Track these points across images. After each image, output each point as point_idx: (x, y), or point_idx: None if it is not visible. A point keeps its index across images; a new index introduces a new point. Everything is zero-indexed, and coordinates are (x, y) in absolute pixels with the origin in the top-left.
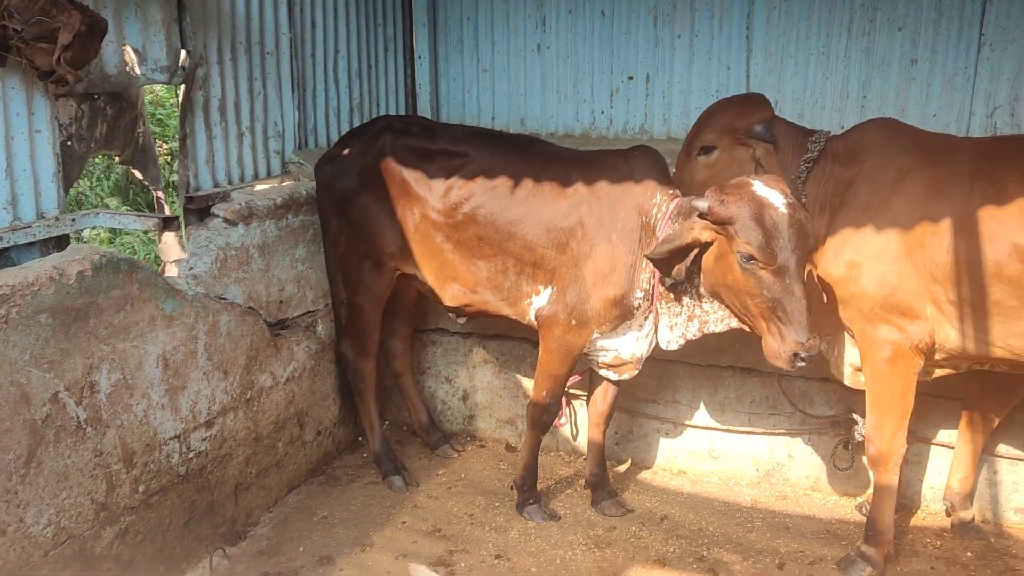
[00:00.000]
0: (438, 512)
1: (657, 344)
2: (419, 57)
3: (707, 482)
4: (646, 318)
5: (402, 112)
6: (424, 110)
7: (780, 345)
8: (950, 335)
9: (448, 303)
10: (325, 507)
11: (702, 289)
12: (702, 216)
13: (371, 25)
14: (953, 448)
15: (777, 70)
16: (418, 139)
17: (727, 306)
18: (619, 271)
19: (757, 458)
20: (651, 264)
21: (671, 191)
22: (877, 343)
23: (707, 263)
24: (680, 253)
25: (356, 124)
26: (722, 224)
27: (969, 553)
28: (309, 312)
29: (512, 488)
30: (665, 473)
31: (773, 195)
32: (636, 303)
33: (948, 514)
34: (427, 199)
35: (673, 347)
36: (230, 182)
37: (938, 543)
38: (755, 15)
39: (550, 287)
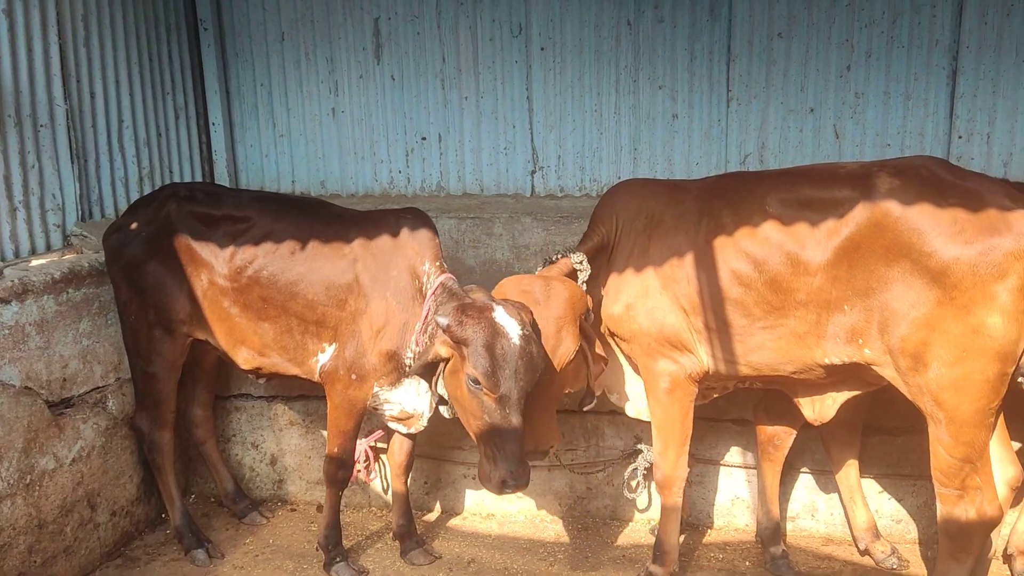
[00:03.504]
0: None
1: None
2: (213, 124)
3: (514, 522)
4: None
5: (198, 179)
6: (222, 177)
7: (492, 470)
8: (704, 360)
9: (243, 367)
10: None
11: None
12: (444, 330)
13: (159, 93)
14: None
15: (557, 127)
16: (203, 205)
17: (459, 416)
18: (392, 327)
19: (560, 493)
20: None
21: (439, 263)
22: (657, 375)
23: (445, 377)
24: (431, 368)
25: (147, 193)
26: (457, 343)
27: (747, 563)
28: (98, 388)
29: (318, 549)
30: (474, 517)
31: (510, 324)
32: (408, 361)
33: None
34: (213, 264)
35: (448, 415)
36: (3, 259)
37: (720, 556)
38: (533, 77)
39: (334, 344)
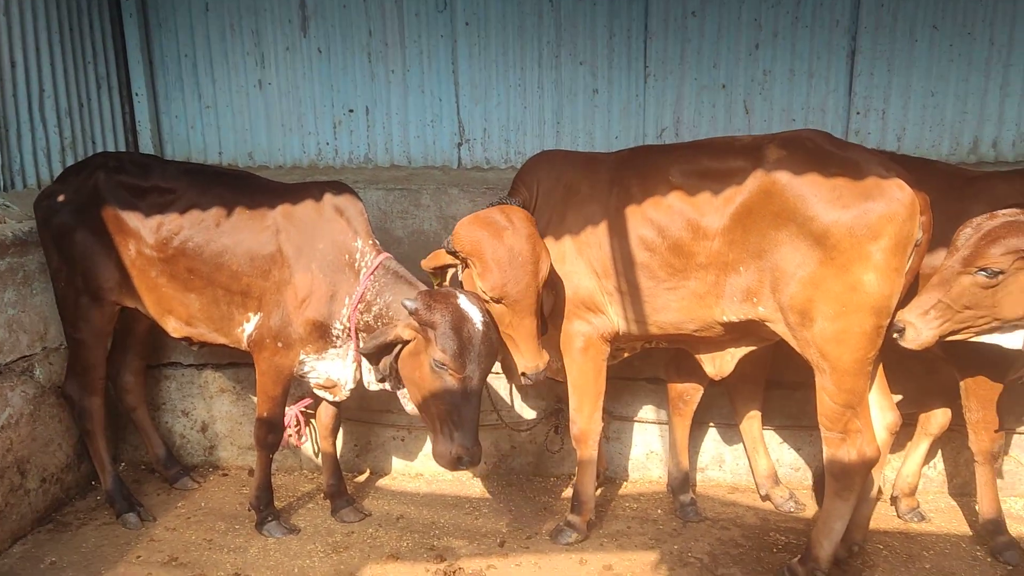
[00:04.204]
0: (175, 543)
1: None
2: (136, 94)
3: (441, 480)
4: (349, 351)
5: (122, 150)
6: (146, 148)
7: (448, 447)
8: (615, 320)
9: (173, 335)
10: (54, 553)
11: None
12: (412, 314)
13: (80, 63)
14: (647, 423)
15: (483, 101)
16: (131, 176)
17: (411, 396)
18: (318, 298)
19: (485, 452)
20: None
21: (372, 242)
22: (572, 336)
23: (403, 358)
24: (386, 348)
25: (70, 163)
26: (423, 326)
27: (659, 511)
28: (24, 357)
29: (250, 509)
30: (403, 477)
31: (474, 311)
32: (336, 333)
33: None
34: (141, 234)
35: (374, 388)
36: None
37: (635, 505)
38: (458, 51)
39: (259, 313)
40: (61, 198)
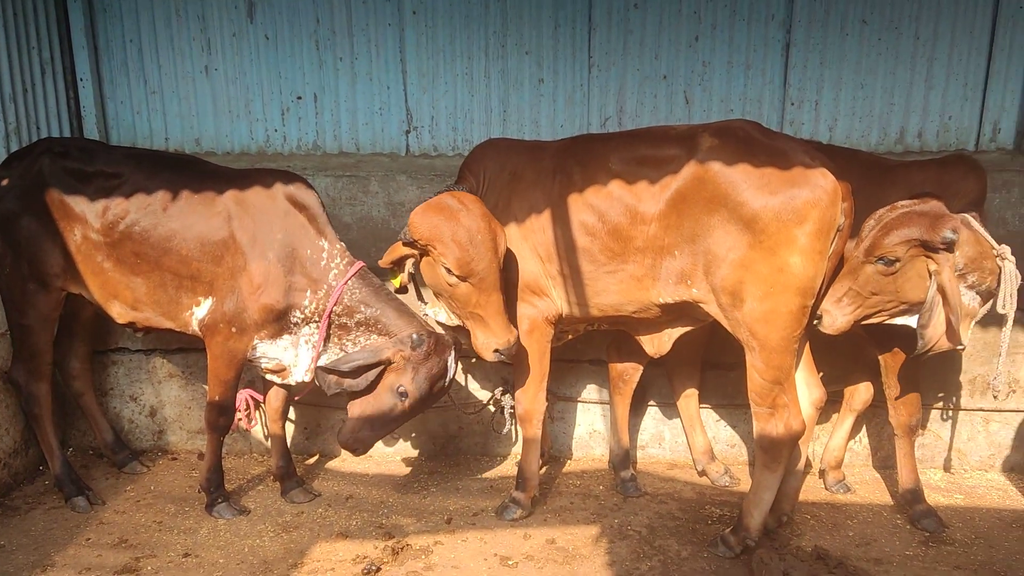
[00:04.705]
0: (125, 525)
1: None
2: (81, 80)
3: (391, 461)
4: (309, 341)
5: (67, 136)
6: (91, 133)
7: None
8: (559, 303)
9: (118, 320)
10: (3, 537)
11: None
12: (413, 348)
13: (24, 47)
14: (590, 403)
15: (431, 89)
16: (76, 161)
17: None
18: (275, 286)
19: (434, 433)
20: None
21: (340, 244)
22: (518, 319)
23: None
24: (366, 369)
25: (15, 149)
26: (407, 364)
27: (601, 487)
28: None
29: (200, 491)
30: (353, 459)
31: (451, 367)
32: (295, 320)
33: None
34: (86, 219)
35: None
36: None
37: (578, 482)
38: (406, 39)
39: (210, 298)
40: (5, 183)
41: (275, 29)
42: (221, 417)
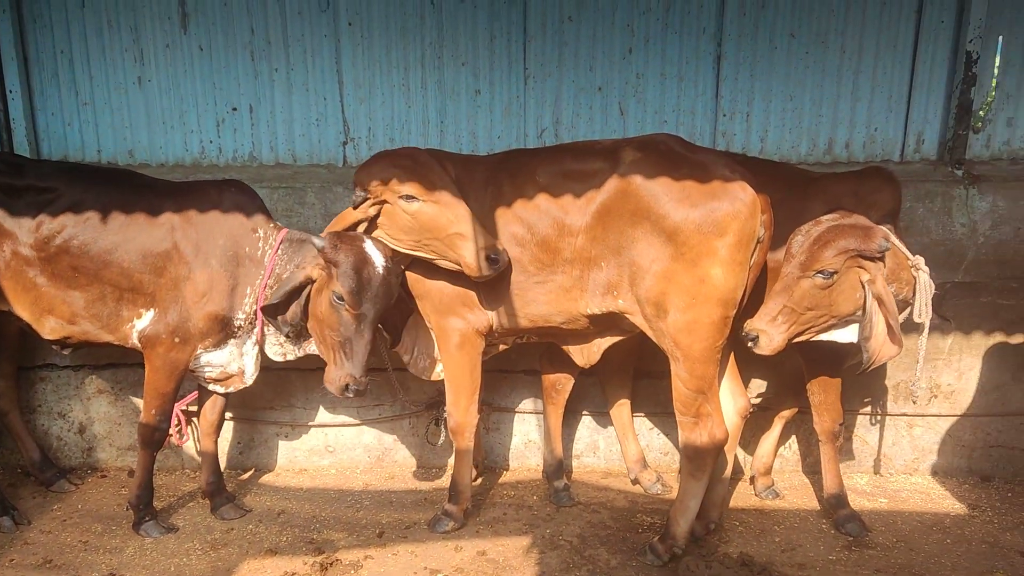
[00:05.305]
0: (50, 545)
1: (265, 356)
2: (10, 91)
3: (325, 475)
4: (250, 337)
5: None
6: (21, 146)
7: (339, 373)
8: (489, 314)
9: (48, 336)
10: None
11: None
12: (320, 251)
13: None
14: (525, 413)
15: (367, 100)
16: (5, 176)
17: (312, 333)
18: (219, 291)
19: (369, 446)
20: (265, 312)
21: (273, 224)
22: (448, 331)
23: (312, 293)
24: (297, 292)
25: None
26: (328, 263)
27: (535, 497)
28: None
29: (128, 508)
30: (287, 473)
31: (376, 256)
32: (238, 323)
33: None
34: (17, 235)
35: (278, 359)
36: None
37: (512, 493)
38: (342, 51)
39: (152, 309)
40: None
41: (209, 40)
42: (156, 432)
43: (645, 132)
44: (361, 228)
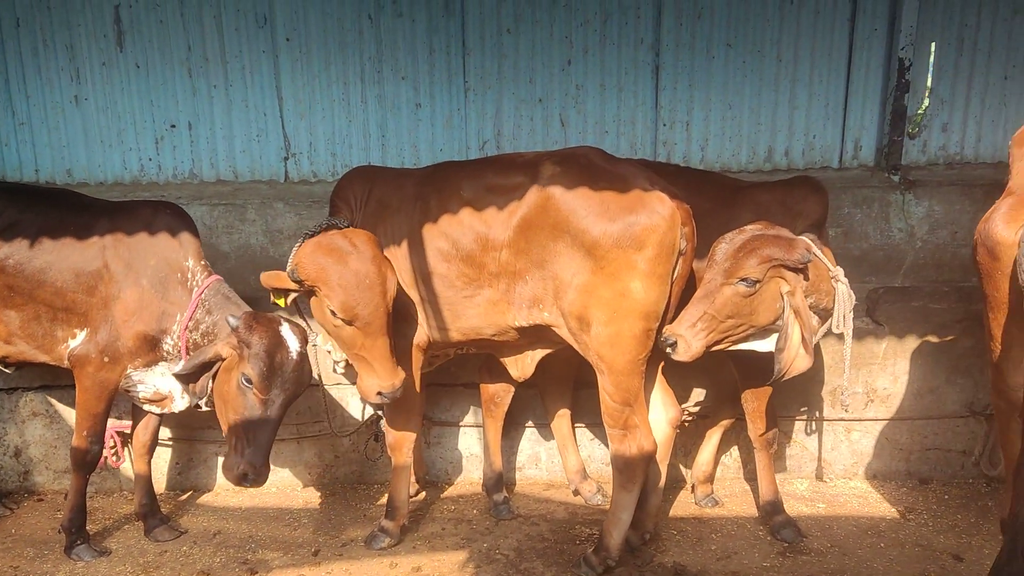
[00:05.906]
0: None
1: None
2: None
3: (265, 494)
4: (180, 362)
5: None
6: None
7: (237, 462)
8: (424, 328)
9: None
10: None
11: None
12: (233, 331)
13: None
14: (466, 426)
15: (308, 115)
16: None
17: (217, 412)
18: (149, 312)
19: (309, 463)
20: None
21: (203, 263)
22: None
23: (220, 371)
24: (207, 367)
25: None
26: (240, 344)
27: (475, 511)
28: None
29: (61, 532)
30: (226, 493)
31: (292, 339)
32: (167, 348)
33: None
34: None
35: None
36: None
37: (452, 507)
38: (281, 66)
39: (85, 329)
40: None
41: (146, 57)
42: (88, 454)
43: (587, 143)
44: (291, 296)
